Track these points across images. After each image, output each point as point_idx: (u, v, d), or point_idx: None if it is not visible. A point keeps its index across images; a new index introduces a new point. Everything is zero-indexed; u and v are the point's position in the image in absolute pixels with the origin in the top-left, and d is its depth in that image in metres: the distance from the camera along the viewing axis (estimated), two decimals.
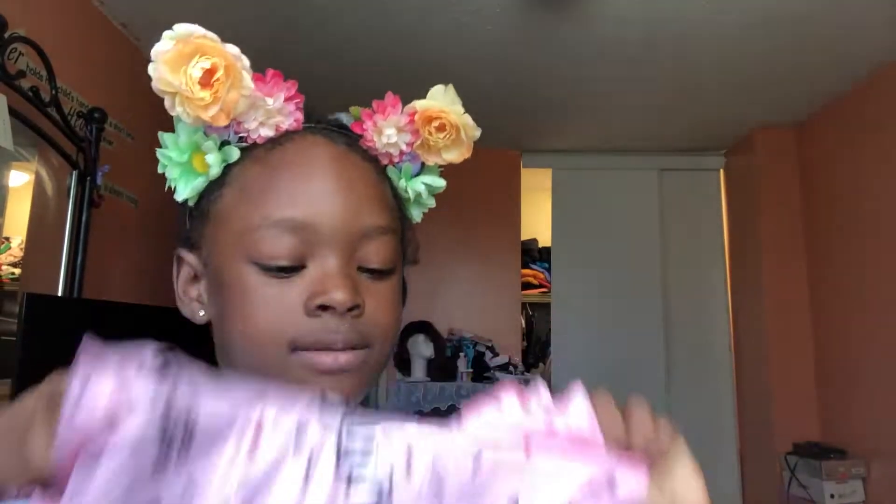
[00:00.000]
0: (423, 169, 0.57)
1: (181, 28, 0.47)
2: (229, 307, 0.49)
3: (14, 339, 1.47)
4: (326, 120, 0.54)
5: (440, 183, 0.57)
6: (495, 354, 3.19)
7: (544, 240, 3.93)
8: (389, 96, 0.54)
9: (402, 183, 0.56)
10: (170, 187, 0.54)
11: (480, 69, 2.62)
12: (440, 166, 0.57)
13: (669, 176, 3.67)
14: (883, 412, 2.53)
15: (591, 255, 3.60)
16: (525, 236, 3.82)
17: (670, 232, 3.60)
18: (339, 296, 0.46)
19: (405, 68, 2.51)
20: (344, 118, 0.55)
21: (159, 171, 0.54)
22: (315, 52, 2.49)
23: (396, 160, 0.55)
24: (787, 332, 3.08)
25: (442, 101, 0.54)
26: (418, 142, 0.55)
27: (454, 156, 0.56)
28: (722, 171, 3.68)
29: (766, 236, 3.19)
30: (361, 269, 0.50)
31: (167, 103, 0.48)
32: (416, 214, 0.59)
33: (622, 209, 3.63)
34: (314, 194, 0.48)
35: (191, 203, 0.54)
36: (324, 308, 0.47)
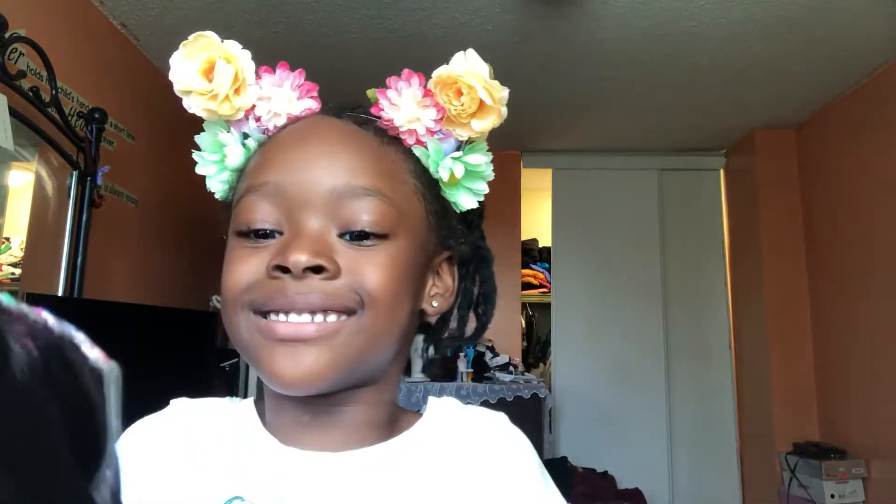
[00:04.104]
0: (466, 148, 0.53)
1: (191, 35, 0.50)
2: None
3: None
4: (343, 105, 0.53)
5: (479, 161, 0.52)
6: (495, 354, 3.19)
7: (544, 240, 3.93)
8: (406, 71, 0.52)
9: (431, 164, 0.52)
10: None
11: None
12: (470, 140, 0.52)
13: (669, 176, 3.67)
14: (883, 412, 2.53)
15: (592, 255, 3.60)
16: (525, 236, 3.82)
17: (670, 232, 3.60)
18: (293, 255, 0.43)
19: (405, 68, 2.51)
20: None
21: (196, 171, 0.53)
22: (315, 51, 2.49)
23: (424, 139, 0.51)
24: (787, 332, 3.08)
25: (462, 66, 0.50)
26: (444, 116, 0.51)
27: (485, 124, 0.51)
28: (722, 171, 3.68)
29: (766, 236, 3.19)
30: (349, 234, 0.46)
31: (185, 103, 0.51)
32: (465, 201, 0.54)
33: (622, 209, 3.63)
34: (291, 160, 0.48)
35: (225, 198, 0.54)
36: (283, 270, 0.44)
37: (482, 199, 0.55)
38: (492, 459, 0.50)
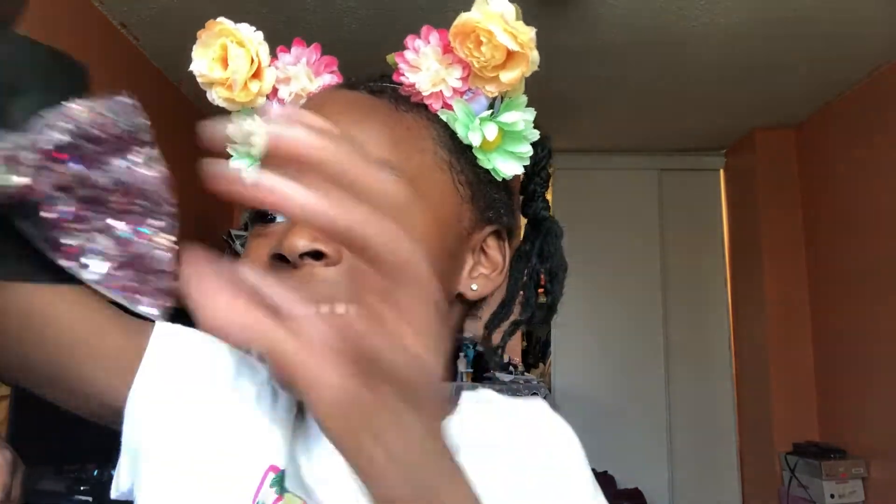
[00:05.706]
0: (502, 105, 0.46)
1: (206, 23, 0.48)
2: None
3: None
4: (366, 77, 0.49)
5: (513, 119, 0.44)
6: None
7: None
8: (424, 28, 0.46)
9: (459, 128, 0.46)
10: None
11: None
12: (499, 96, 0.45)
13: (669, 176, 3.67)
14: (883, 412, 2.53)
15: (592, 255, 3.59)
16: None
17: (670, 232, 3.60)
18: (287, 241, 0.38)
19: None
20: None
21: (231, 165, 0.51)
22: None
23: (451, 101, 0.45)
24: (787, 332, 3.08)
25: (480, 10, 0.42)
26: (471, 73, 0.44)
27: (513, 74, 0.42)
28: (722, 171, 3.68)
29: (766, 236, 3.19)
30: None
31: (208, 97, 0.48)
32: (506, 167, 0.47)
33: (622, 209, 3.63)
34: None
35: None
36: (282, 259, 0.39)
37: (527, 162, 0.47)
38: (534, 449, 0.47)
